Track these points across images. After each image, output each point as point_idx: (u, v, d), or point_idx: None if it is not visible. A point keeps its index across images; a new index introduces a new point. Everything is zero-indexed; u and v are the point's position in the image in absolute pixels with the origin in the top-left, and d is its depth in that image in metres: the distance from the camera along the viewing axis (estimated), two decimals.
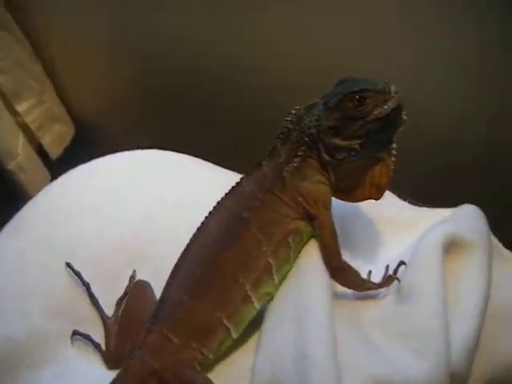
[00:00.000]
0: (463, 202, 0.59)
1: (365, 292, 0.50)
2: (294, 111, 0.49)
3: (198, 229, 0.48)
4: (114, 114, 1.06)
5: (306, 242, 0.51)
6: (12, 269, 0.56)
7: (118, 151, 0.70)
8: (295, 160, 0.49)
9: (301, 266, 0.50)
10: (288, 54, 0.82)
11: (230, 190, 0.49)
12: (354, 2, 0.75)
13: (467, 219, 0.55)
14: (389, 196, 0.62)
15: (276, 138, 0.50)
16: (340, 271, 0.48)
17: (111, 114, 1.06)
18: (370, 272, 0.51)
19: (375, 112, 0.46)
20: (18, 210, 0.63)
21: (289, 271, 0.50)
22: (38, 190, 0.66)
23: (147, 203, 0.60)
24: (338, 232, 0.51)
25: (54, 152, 1.03)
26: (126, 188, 0.62)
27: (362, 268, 0.52)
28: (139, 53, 0.96)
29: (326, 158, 0.48)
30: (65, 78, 1.03)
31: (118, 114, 1.06)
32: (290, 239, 0.49)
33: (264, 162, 0.50)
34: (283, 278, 0.49)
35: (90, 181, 0.65)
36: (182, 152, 0.69)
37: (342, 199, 0.52)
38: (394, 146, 0.48)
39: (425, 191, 0.62)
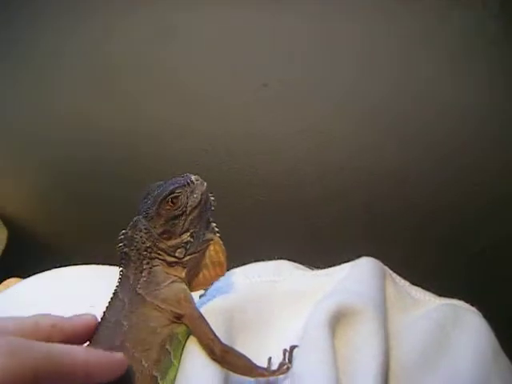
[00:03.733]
0: None
1: (258, 379, 0.49)
2: (122, 236, 0.52)
3: None
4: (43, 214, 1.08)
5: (186, 342, 0.51)
6: None
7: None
8: (143, 275, 0.51)
9: (186, 365, 0.49)
10: None
11: (97, 326, 0.50)
12: None
13: (357, 281, 0.55)
14: (284, 266, 0.62)
15: (119, 267, 0.52)
16: (225, 355, 0.48)
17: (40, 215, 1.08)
18: (269, 359, 0.50)
19: (190, 203, 0.51)
20: None
21: (175, 375, 0.49)
22: None
23: None
24: (230, 322, 0.52)
25: None
26: None
27: (261, 354, 0.50)
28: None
29: (171, 259, 0.52)
30: None
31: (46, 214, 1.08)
32: (167, 346, 0.49)
33: (118, 290, 0.52)
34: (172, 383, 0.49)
35: None
36: None
37: (197, 290, 0.54)
38: (214, 224, 0.53)
39: None
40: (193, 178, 0.52)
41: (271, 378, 0.49)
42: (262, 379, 0.49)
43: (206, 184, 0.52)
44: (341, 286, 0.56)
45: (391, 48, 0.77)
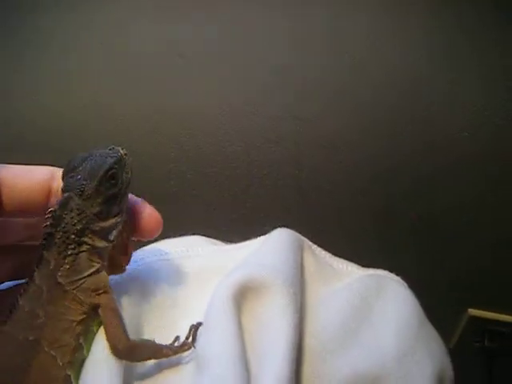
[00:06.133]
0: None
1: (161, 360, 0.46)
2: (49, 215, 0.45)
3: None
4: None
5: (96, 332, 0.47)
6: None
7: None
8: (66, 261, 0.46)
9: (89, 358, 0.45)
10: None
11: (8, 314, 0.44)
12: None
13: (268, 253, 0.52)
14: (196, 242, 0.59)
15: (40, 247, 0.46)
16: (129, 351, 0.45)
17: None
18: (177, 337, 0.47)
19: (124, 180, 0.46)
20: None
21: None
22: None
23: None
24: (138, 305, 0.49)
25: None
26: None
27: (171, 335, 0.47)
28: None
29: (101, 244, 0.47)
30: None
31: None
32: (81, 341, 0.45)
33: (35, 274, 0.45)
34: None
35: None
36: None
37: (117, 272, 0.50)
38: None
39: None
40: (121, 151, 0.47)
41: (176, 359, 0.46)
42: (164, 361, 0.46)
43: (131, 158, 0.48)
44: (250, 259, 0.52)
45: (316, 16, 0.75)
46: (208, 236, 0.61)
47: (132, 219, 0.48)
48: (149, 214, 0.47)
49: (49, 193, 0.46)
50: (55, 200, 0.46)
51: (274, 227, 0.58)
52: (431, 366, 0.48)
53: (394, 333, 0.49)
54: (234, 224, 0.64)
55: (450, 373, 0.51)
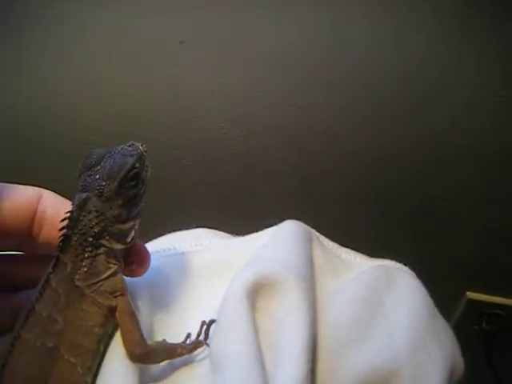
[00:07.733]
0: None
1: (174, 362, 0.45)
2: (67, 214, 0.43)
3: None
4: None
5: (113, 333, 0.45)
6: None
7: None
8: (84, 264, 0.44)
9: (105, 362, 0.44)
10: None
11: (24, 319, 0.42)
12: None
13: (278, 247, 0.51)
14: (203, 235, 0.57)
15: (56, 249, 0.43)
16: (146, 356, 0.44)
17: None
18: (188, 335, 0.46)
19: (145, 179, 0.44)
20: None
21: None
22: None
23: None
24: (150, 300, 0.48)
25: None
26: None
27: (181, 332, 0.46)
28: None
29: (118, 247, 0.45)
30: None
31: None
32: (101, 346, 0.44)
33: (52, 277, 0.43)
34: None
35: None
36: None
37: (134, 275, 0.47)
38: None
39: None
40: (141, 148, 0.44)
41: (189, 358, 0.45)
42: (178, 361, 0.45)
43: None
44: (260, 255, 0.51)
45: (317, 6, 0.73)
46: (206, 223, 0.60)
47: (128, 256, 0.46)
48: (143, 261, 0.46)
49: (34, 215, 0.44)
50: (39, 224, 0.44)
51: (273, 213, 0.57)
52: (442, 357, 0.47)
53: (406, 324, 0.48)
54: (233, 210, 0.63)
55: (460, 365, 0.50)
